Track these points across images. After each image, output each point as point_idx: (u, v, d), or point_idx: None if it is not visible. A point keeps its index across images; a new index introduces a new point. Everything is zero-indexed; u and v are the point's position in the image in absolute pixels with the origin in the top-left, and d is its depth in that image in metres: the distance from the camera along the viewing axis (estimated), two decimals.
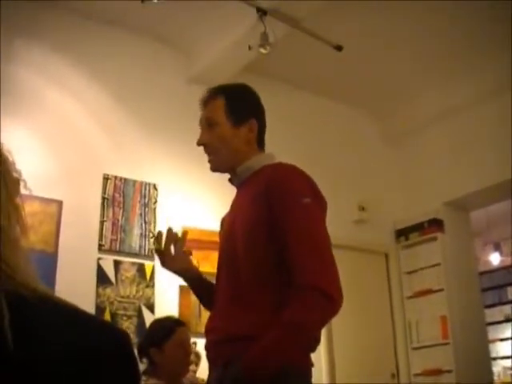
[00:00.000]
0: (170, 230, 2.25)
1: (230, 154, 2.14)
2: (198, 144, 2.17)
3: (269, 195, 1.95)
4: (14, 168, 0.89)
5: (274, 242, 1.91)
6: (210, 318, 2.11)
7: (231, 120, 2.13)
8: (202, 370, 3.52)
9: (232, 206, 2.20)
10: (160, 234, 2.24)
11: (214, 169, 2.19)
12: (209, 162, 2.18)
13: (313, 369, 1.95)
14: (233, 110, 2.14)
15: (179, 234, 2.27)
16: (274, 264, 1.92)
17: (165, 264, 2.25)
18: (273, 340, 1.78)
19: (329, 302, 1.80)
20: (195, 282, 2.30)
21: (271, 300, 1.89)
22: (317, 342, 1.97)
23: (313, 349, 1.96)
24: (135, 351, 0.87)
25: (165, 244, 2.23)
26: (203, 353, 2.14)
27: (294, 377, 1.85)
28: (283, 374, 1.79)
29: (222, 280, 2.10)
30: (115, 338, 0.83)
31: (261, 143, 2.21)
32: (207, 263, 4.76)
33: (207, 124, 2.16)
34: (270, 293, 1.91)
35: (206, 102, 2.19)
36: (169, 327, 3.21)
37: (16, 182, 0.89)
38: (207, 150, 2.16)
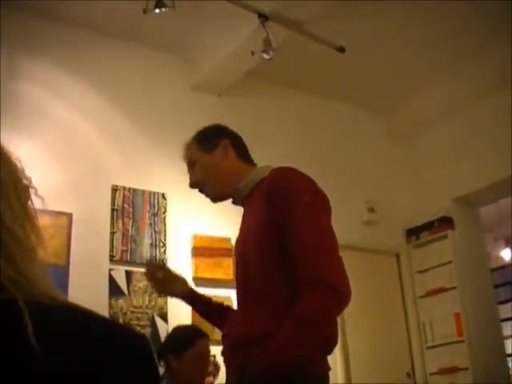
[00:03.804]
0: (147, 263, 2.56)
1: (218, 178, 2.27)
2: (190, 187, 2.34)
3: (271, 197, 2.01)
4: (24, 175, 0.89)
5: (281, 243, 1.95)
6: (227, 325, 2.17)
7: (204, 150, 2.28)
8: (221, 381, 3.53)
9: (241, 224, 2.26)
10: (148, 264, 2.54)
11: (214, 199, 2.34)
12: (206, 196, 2.34)
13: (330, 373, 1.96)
14: (203, 143, 2.30)
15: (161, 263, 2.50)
16: (284, 265, 1.96)
17: (157, 290, 2.52)
18: (286, 336, 1.80)
19: (336, 293, 1.83)
20: (191, 299, 2.44)
21: (284, 301, 1.92)
22: (333, 343, 1.99)
23: (329, 350, 1.98)
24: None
25: (149, 274, 2.43)
26: (222, 363, 2.18)
27: (311, 377, 1.88)
28: (301, 375, 1.82)
29: (239, 290, 2.16)
30: (136, 342, 0.83)
31: (248, 159, 2.32)
32: (219, 270, 4.78)
33: (190, 166, 2.33)
34: (283, 294, 1.95)
35: (185, 152, 2.36)
36: (190, 337, 3.21)
37: (26, 189, 0.89)
38: (199, 187, 2.32)
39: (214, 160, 2.26)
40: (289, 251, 1.93)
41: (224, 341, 2.12)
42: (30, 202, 0.89)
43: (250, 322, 1.98)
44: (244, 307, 2.08)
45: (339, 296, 1.84)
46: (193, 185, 2.32)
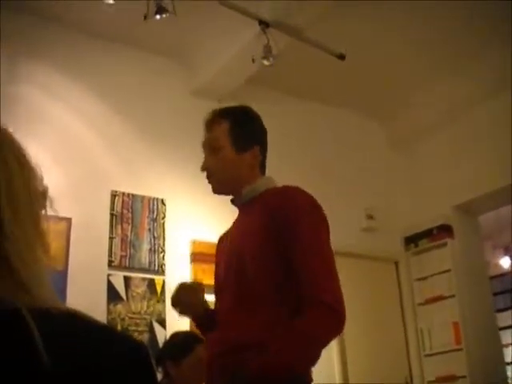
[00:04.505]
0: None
1: (231, 179, 2.19)
2: (202, 169, 2.21)
3: (276, 218, 2.01)
4: (41, 184, 0.88)
5: (282, 261, 1.97)
6: (218, 331, 2.12)
7: (235, 146, 2.17)
8: None
9: (235, 225, 2.25)
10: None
11: (216, 191, 2.24)
12: (209, 183, 2.22)
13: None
14: (237, 136, 2.18)
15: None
16: (282, 279, 1.98)
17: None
18: (285, 343, 1.83)
19: (337, 315, 1.88)
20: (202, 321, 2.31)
21: (277, 313, 1.94)
22: (317, 359, 1.99)
23: (314, 364, 1.98)
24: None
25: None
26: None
27: None
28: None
29: (228, 295, 2.12)
30: (134, 348, 0.83)
31: (262, 167, 2.26)
32: None
33: (211, 148, 2.20)
34: (276, 306, 1.97)
35: (211, 124, 2.22)
36: (189, 344, 3.20)
37: (41, 200, 0.88)
38: (209, 174, 2.21)
39: (237, 162, 2.17)
40: (291, 270, 1.95)
41: (214, 346, 2.08)
42: (42, 215, 0.87)
43: (243, 331, 1.97)
44: (235, 314, 2.05)
45: (339, 319, 1.88)
46: (204, 169, 2.20)
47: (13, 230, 0.80)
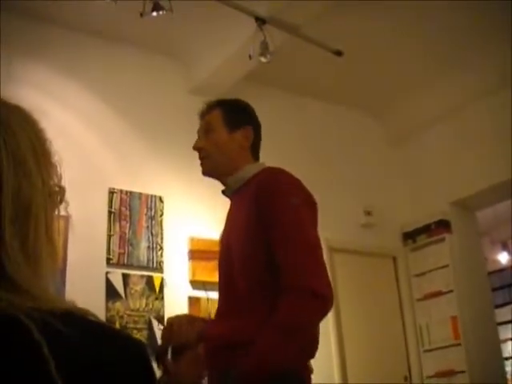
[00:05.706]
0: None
1: (222, 159, 2.19)
2: (194, 148, 2.24)
3: (258, 200, 1.98)
4: (58, 181, 0.88)
5: (266, 247, 1.93)
6: (210, 326, 2.12)
7: (227, 127, 2.21)
8: None
9: (227, 217, 2.25)
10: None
11: (206, 172, 2.25)
12: (201, 165, 2.23)
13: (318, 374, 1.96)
14: (229, 118, 2.22)
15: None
16: (268, 269, 1.94)
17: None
18: (266, 343, 1.79)
19: (319, 300, 1.81)
20: None
21: (267, 305, 1.90)
22: (314, 346, 1.97)
23: (311, 354, 1.96)
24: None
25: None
26: None
27: (292, 381, 1.86)
28: (282, 379, 1.80)
29: (222, 290, 2.14)
30: (133, 347, 0.83)
31: (255, 154, 2.26)
32: (217, 273, 4.76)
33: (204, 130, 2.24)
34: (266, 298, 1.92)
35: (204, 113, 2.28)
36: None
37: (58, 195, 0.88)
38: (201, 154, 2.23)
39: (229, 141, 2.19)
40: (273, 255, 1.91)
41: (207, 342, 2.07)
42: (55, 216, 0.87)
43: (235, 327, 1.96)
44: (227, 310, 2.06)
45: (323, 303, 1.82)
46: (197, 149, 2.24)
47: (8, 236, 0.79)
